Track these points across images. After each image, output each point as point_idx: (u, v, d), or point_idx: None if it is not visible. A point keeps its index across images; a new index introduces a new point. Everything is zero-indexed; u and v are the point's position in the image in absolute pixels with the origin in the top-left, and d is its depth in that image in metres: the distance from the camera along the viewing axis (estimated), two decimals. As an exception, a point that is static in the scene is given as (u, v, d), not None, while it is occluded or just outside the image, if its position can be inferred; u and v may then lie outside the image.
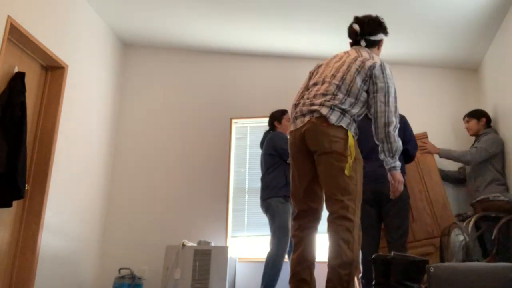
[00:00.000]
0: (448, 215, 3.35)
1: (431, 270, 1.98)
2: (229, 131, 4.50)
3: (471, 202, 3.35)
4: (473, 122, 3.73)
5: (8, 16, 3.07)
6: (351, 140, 2.13)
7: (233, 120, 4.54)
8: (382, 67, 2.26)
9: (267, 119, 4.38)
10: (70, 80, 3.84)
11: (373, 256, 2.43)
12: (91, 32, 4.23)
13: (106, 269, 4.22)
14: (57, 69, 3.74)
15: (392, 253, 2.30)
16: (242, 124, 4.57)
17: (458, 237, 2.95)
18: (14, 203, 3.26)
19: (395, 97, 2.25)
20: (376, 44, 2.56)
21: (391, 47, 4.16)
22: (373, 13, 3.65)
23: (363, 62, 2.28)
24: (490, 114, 3.87)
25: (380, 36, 2.56)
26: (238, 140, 4.54)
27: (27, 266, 3.26)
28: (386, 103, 2.19)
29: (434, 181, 3.50)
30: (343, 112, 2.17)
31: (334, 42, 4.22)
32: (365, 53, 2.39)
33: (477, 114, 3.73)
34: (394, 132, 2.17)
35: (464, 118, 3.84)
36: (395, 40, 4.01)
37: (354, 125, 2.21)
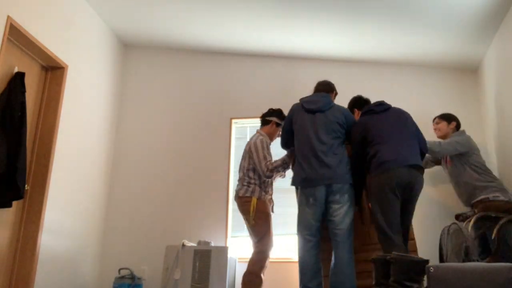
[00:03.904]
0: None
1: (431, 270, 1.98)
2: (229, 131, 4.50)
3: (472, 202, 3.35)
4: (443, 124, 3.71)
5: (8, 16, 3.07)
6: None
7: (233, 120, 4.54)
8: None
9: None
10: (70, 80, 3.84)
11: (373, 256, 2.43)
12: (91, 32, 4.23)
13: (106, 269, 4.22)
14: (57, 69, 3.74)
15: (393, 253, 2.30)
16: (242, 124, 4.57)
17: (458, 237, 2.95)
18: (14, 203, 3.26)
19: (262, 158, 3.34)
20: (268, 123, 3.62)
21: (391, 47, 4.16)
22: (373, 14, 3.67)
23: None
24: (490, 114, 3.87)
25: (272, 118, 3.60)
26: (238, 140, 4.54)
27: (27, 266, 3.26)
28: (259, 163, 3.33)
29: None
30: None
31: (334, 42, 4.22)
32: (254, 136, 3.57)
33: (448, 117, 3.71)
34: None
35: (434, 120, 3.80)
36: (395, 40, 4.01)
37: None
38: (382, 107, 3.06)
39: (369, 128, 2.95)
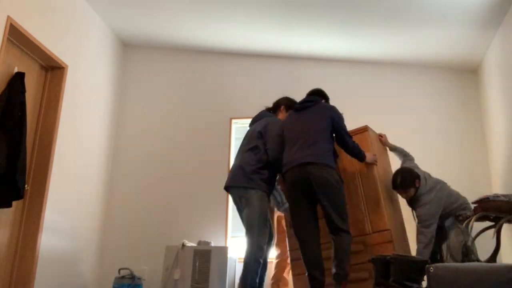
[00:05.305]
0: (380, 211, 2.97)
1: (431, 270, 1.98)
2: (229, 131, 4.50)
3: (472, 202, 3.34)
4: None
5: (8, 16, 3.07)
6: None
7: (233, 120, 4.54)
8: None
9: (267, 119, 4.37)
10: (70, 80, 3.84)
11: (373, 256, 2.43)
12: (91, 32, 4.23)
13: (106, 269, 4.22)
14: (57, 69, 3.74)
15: (393, 253, 2.30)
16: (242, 124, 4.57)
17: (457, 237, 2.95)
18: (14, 203, 3.25)
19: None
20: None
21: (391, 47, 4.16)
22: (373, 14, 3.66)
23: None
24: (490, 114, 3.86)
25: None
26: (238, 140, 4.53)
27: (27, 266, 3.26)
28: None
29: (368, 176, 3.10)
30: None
31: (334, 43, 4.22)
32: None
33: None
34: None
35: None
36: (395, 40, 4.01)
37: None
38: (303, 104, 3.01)
39: (284, 128, 3.01)
